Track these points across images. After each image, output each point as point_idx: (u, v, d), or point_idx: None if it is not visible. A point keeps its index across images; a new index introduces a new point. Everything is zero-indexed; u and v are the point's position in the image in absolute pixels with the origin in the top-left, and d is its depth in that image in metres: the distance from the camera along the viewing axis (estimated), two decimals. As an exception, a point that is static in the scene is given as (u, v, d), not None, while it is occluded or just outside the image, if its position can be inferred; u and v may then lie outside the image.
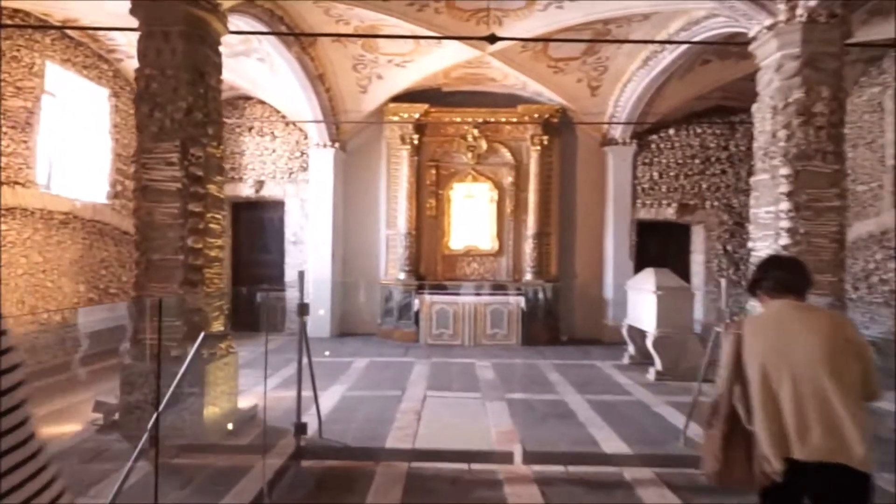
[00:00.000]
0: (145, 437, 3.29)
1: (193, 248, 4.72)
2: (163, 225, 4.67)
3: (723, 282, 5.32)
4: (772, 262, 2.42)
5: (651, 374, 7.24)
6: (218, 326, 5.01)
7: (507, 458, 4.26)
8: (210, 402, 4.66)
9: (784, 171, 5.10)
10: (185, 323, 4.67)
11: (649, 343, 7.21)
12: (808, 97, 5.03)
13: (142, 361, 4.66)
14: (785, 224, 5.09)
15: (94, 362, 7.31)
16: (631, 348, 8.23)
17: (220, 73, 5.05)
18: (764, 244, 5.37)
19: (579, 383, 6.92)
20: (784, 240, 5.08)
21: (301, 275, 4.37)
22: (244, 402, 5.60)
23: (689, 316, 7.22)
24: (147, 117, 4.67)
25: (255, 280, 10.91)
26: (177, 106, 4.64)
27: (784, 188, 5.09)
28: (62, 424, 4.96)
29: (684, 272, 9.95)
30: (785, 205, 5.08)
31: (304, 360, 4.70)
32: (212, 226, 4.92)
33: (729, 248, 9.96)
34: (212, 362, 4.74)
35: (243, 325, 10.62)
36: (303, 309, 4.39)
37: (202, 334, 4.42)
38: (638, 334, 8.06)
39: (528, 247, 9.89)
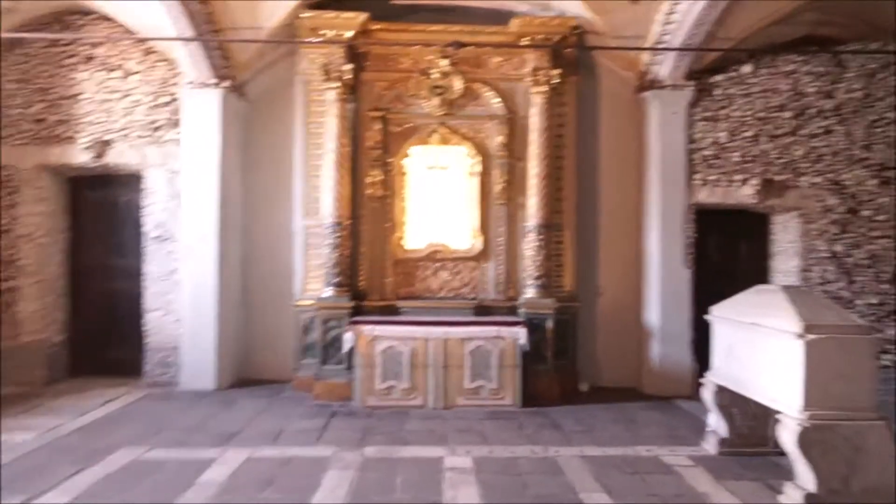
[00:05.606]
0: None
1: None
2: None
3: None
4: None
5: (793, 500, 3.64)
6: None
7: None
8: None
9: None
10: None
11: (790, 439, 3.60)
12: None
13: None
14: None
15: None
16: (717, 423, 4.65)
17: None
18: None
19: (662, 534, 3.29)
20: None
21: None
22: None
23: (867, 385, 3.63)
24: None
25: (107, 298, 7.01)
26: None
27: None
28: None
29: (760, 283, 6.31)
30: None
31: None
32: None
33: (838, 248, 6.45)
34: None
35: (90, 366, 6.80)
36: None
37: None
38: (739, 405, 4.48)
39: (529, 247, 6.23)
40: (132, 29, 6.43)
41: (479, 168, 6.40)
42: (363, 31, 6.11)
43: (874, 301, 6.39)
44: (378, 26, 6.19)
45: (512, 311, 6.21)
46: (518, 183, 6.38)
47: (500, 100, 6.41)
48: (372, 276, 6.39)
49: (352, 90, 6.25)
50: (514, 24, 6.12)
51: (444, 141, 6.41)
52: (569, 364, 6.37)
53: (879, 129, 6.47)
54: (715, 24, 6.03)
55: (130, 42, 6.52)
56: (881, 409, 3.66)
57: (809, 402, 3.57)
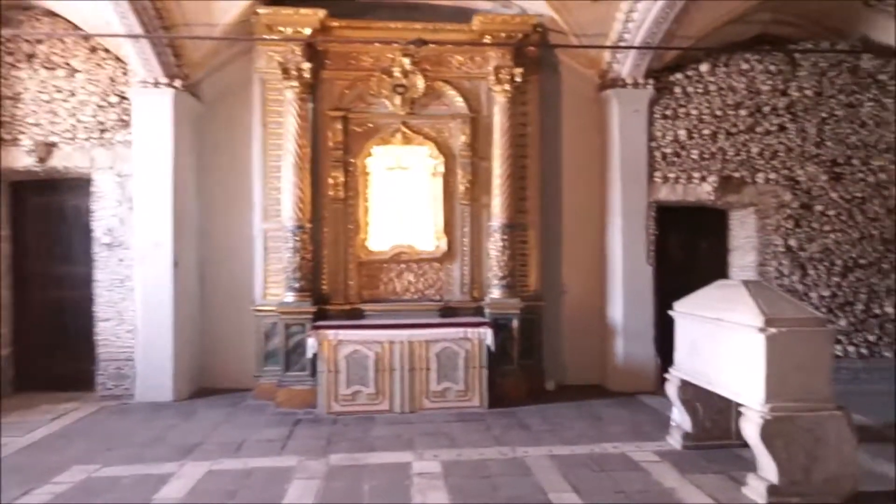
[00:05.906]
0: None
1: None
2: None
3: None
4: None
5: (757, 491, 3.69)
6: None
7: None
8: None
9: None
10: None
11: (752, 431, 3.66)
12: None
13: None
14: None
15: None
16: (681, 418, 4.70)
17: None
18: None
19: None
20: None
21: None
22: None
23: (825, 376, 3.72)
24: None
25: (54, 308, 6.66)
26: None
27: None
28: None
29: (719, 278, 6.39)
30: None
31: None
32: None
33: (792, 243, 6.63)
34: None
35: (38, 381, 6.45)
36: None
37: None
38: (703, 399, 4.54)
39: (494, 247, 6.19)
40: (77, 25, 6.13)
41: (442, 168, 6.33)
42: (322, 29, 5.97)
43: (826, 293, 6.60)
44: (337, 23, 6.07)
45: (478, 311, 6.18)
46: (482, 183, 6.34)
47: (462, 99, 6.36)
48: (335, 279, 6.25)
49: (311, 89, 6.10)
50: (477, 22, 6.07)
51: (407, 141, 6.32)
52: (535, 363, 6.37)
53: (830, 127, 6.68)
54: (674, 23, 6.12)
55: (75, 39, 6.21)
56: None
57: (771, 395, 3.62)
